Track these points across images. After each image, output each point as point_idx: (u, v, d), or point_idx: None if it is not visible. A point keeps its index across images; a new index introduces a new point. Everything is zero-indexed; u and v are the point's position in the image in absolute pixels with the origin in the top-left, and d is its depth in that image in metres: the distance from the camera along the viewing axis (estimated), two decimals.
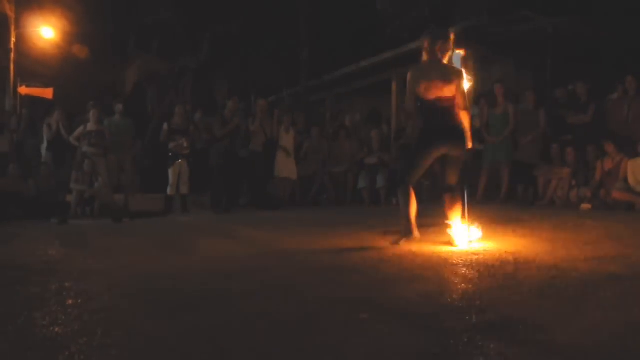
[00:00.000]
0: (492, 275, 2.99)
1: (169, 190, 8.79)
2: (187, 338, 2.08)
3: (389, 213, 4.10)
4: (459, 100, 4.17)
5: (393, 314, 2.30)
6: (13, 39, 14.56)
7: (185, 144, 8.86)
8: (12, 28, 14.52)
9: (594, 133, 7.68)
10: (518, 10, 10.21)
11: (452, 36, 4.30)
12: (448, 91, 4.12)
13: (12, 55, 14.53)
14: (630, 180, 6.97)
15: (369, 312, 2.32)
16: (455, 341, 1.94)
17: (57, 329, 2.21)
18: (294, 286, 2.93)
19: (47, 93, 14.70)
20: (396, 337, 2.01)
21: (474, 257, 3.54)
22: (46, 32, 15.22)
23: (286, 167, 9.31)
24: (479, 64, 10.63)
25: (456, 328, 2.08)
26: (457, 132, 4.15)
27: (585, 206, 7.11)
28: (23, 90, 14.96)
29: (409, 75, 4.25)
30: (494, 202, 8.16)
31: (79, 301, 2.72)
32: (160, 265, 3.81)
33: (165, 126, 9.05)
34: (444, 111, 4.15)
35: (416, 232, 4.13)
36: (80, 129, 8.90)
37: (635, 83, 7.50)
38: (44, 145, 9.39)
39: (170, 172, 8.75)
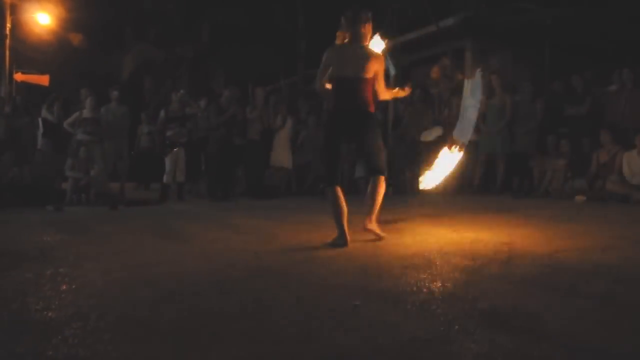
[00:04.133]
0: (485, 264, 3.01)
1: (165, 178, 8.77)
2: (181, 323, 2.09)
3: (385, 203, 4.09)
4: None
5: (386, 301, 2.31)
6: (9, 25, 14.44)
7: (184, 131, 8.86)
8: (8, 14, 14.39)
9: (590, 125, 7.70)
10: (517, 1, 10.19)
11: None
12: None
13: (8, 41, 14.42)
14: (625, 172, 6.99)
15: (362, 299, 2.33)
16: (447, 328, 1.95)
17: (50, 314, 2.22)
18: (287, 274, 2.95)
19: (43, 80, 14.63)
20: (389, 324, 2.02)
21: (468, 247, 3.56)
22: (42, 18, 15.11)
23: (282, 156, 9.31)
24: (477, 55, 10.63)
25: (448, 315, 2.09)
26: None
27: (580, 197, 7.14)
28: (19, 76, 14.89)
29: None
30: (489, 193, 8.20)
31: (73, 286, 2.73)
32: (156, 252, 3.82)
33: (163, 114, 9.02)
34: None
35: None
36: (75, 115, 8.87)
37: (632, 75, 7.50)
38: (40, 131, 9.35)
39: (167, 160, 8.73)
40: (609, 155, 7.24)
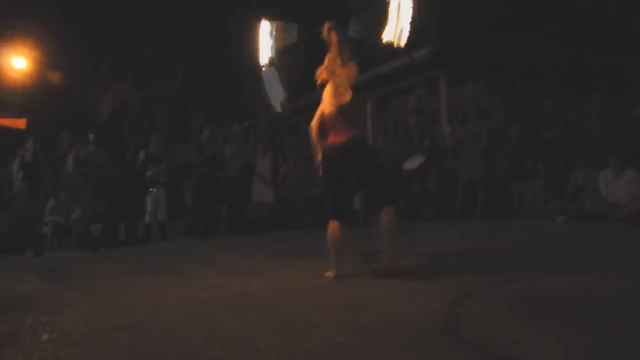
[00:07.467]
0: (468, 293, 3.02)
1: (147, 218, 8.71)
2: None
3: (367, 235, 4.12)
4: None
5: (370, 336, 2.31)
6: None
7: (164, 171, 8.85)
8: None
9: (564, 147, 7.87)
10: (487, 30, 10.48)
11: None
12: None
13: None
14: (602, 191, 7.12)
15: (345, 335, 2.32)
16: None
17: None
18: (271, 310, 2.93)
19: (20, 123, 14.52)
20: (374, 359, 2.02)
21: (450, 275, 3.58)
22: (18, 62, 15.11)
23: (263, 191, 9.32)
24: (451, 84, 10.86)
25: (432, 347, 2.10)
26: None
27: (560, 218, 7.23)
28: None
29: None
30: (471, 218, 8.27)
31: (55, 336, 2.68)
32: (139, 295, 3.77)
33: (142, 154, 9.01)
34: None
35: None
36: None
37: (600, 99, 7.74)
38: (19, 175, 9.25)
39: (148, 199, 8.69)
40: (584, 177, 7.39)
